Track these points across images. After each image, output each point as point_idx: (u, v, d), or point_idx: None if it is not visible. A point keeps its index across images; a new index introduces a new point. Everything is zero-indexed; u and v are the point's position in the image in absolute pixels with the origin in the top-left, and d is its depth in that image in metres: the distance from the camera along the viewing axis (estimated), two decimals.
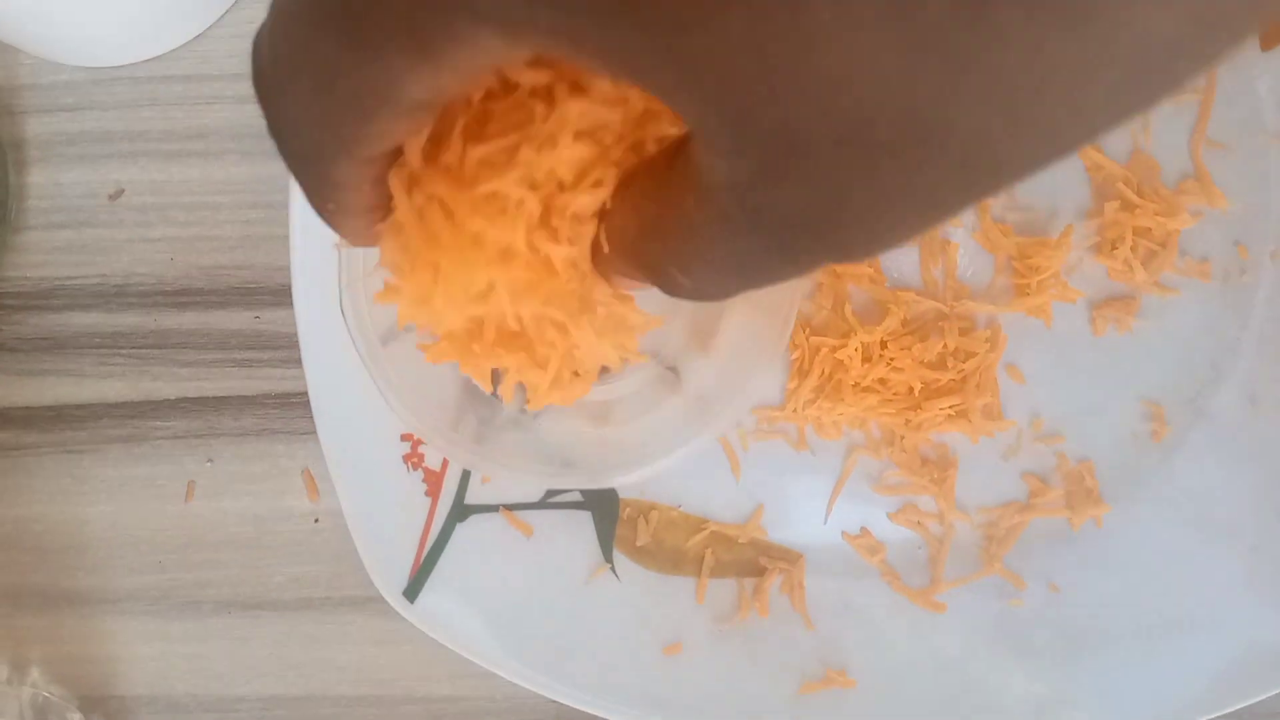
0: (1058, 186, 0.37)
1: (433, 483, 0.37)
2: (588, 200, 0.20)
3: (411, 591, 0.36)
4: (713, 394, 0.33)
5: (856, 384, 0.36)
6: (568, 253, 0.21)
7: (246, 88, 0.39)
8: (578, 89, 0.20)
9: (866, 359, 0.37)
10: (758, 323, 0.33)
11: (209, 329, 0.39)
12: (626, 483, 0.34)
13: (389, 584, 0.36)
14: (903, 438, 0.37)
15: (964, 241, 0.37)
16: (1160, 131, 0.37)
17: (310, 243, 0.37)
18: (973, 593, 0.37)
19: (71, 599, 0.39)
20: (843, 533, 0.37)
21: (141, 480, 0.39)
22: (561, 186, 0.20)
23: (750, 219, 0.15)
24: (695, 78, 0.13)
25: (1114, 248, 0.37)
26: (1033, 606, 0.36)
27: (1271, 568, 0.36)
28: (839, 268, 0.37)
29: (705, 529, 0.37)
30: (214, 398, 0.39)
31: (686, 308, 0.34)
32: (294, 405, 0.39)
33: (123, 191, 0.40)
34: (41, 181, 0.40)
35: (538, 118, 0.20)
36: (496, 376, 0.25)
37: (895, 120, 0.12)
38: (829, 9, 0.11)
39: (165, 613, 0.39)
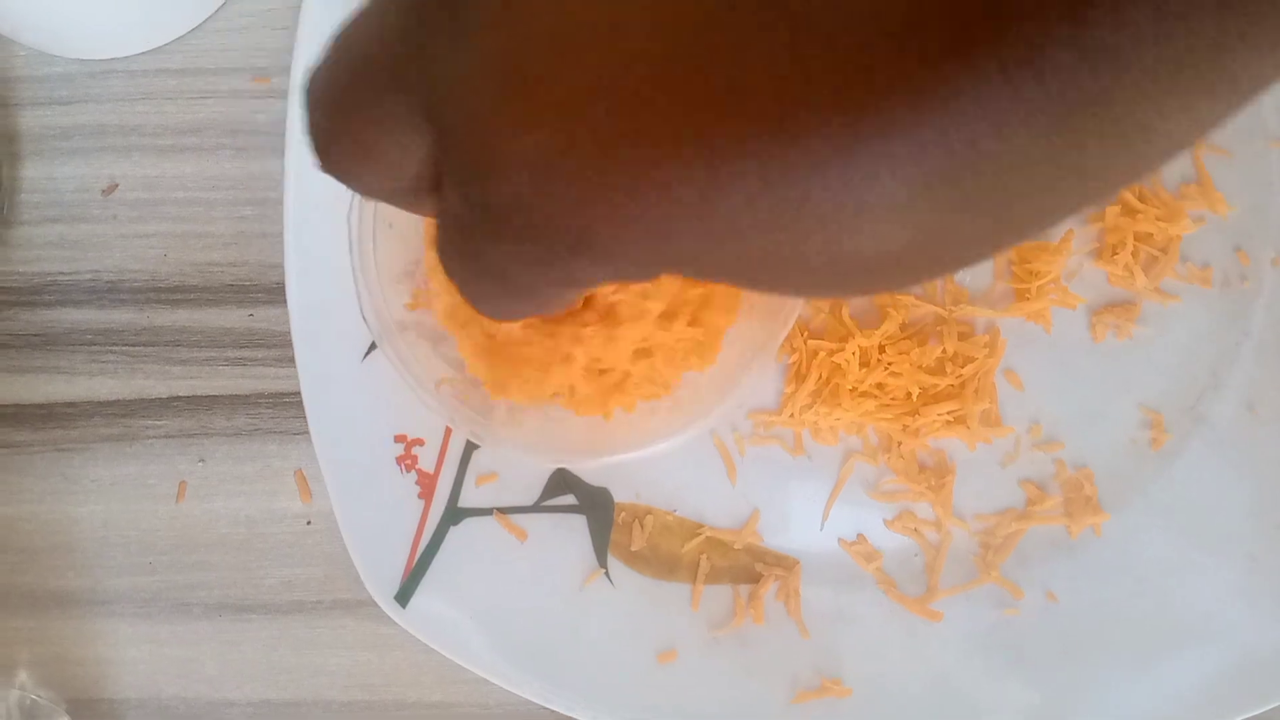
0: None
1: (426, 485, 0.36)
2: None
3: (403, 596, 0.36)
4: (705, 390, 0.33)
5: (854, 389, 0.36)
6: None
7: (241, 82, 0.39)
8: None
9: (864, 363, 0.36)
10: (754, 324, 0.33)
11: (202, 327, 0.39)
12: (613, 463, 0.34)
13: (381, 588, 0.36)
14: (900, 443, 0.37)
15: None
16: None
17: (304, 241, 0.36)
18: (969, 601, 0.36)
19: (60, 600, 0.38)
20: (839, 539, 0.37)
21: (132, 480, 0.38)
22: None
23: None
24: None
25: (1115, 253, 0.36)
26: (1030, 616, 0.36)
27: (1270, 578, 0.36)
28: None
29: (700, 534, 0.37)
30: (206, 396, 0.39)
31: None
32: (287, 405, 0.39)
33: (116, 186, 0.39)
34: (35, 175, 0.40)
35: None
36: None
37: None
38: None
39: (155, 615, 0.38)
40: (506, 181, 0.15)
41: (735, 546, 0.37)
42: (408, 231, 0.33)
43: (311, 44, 0.36)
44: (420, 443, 0.36)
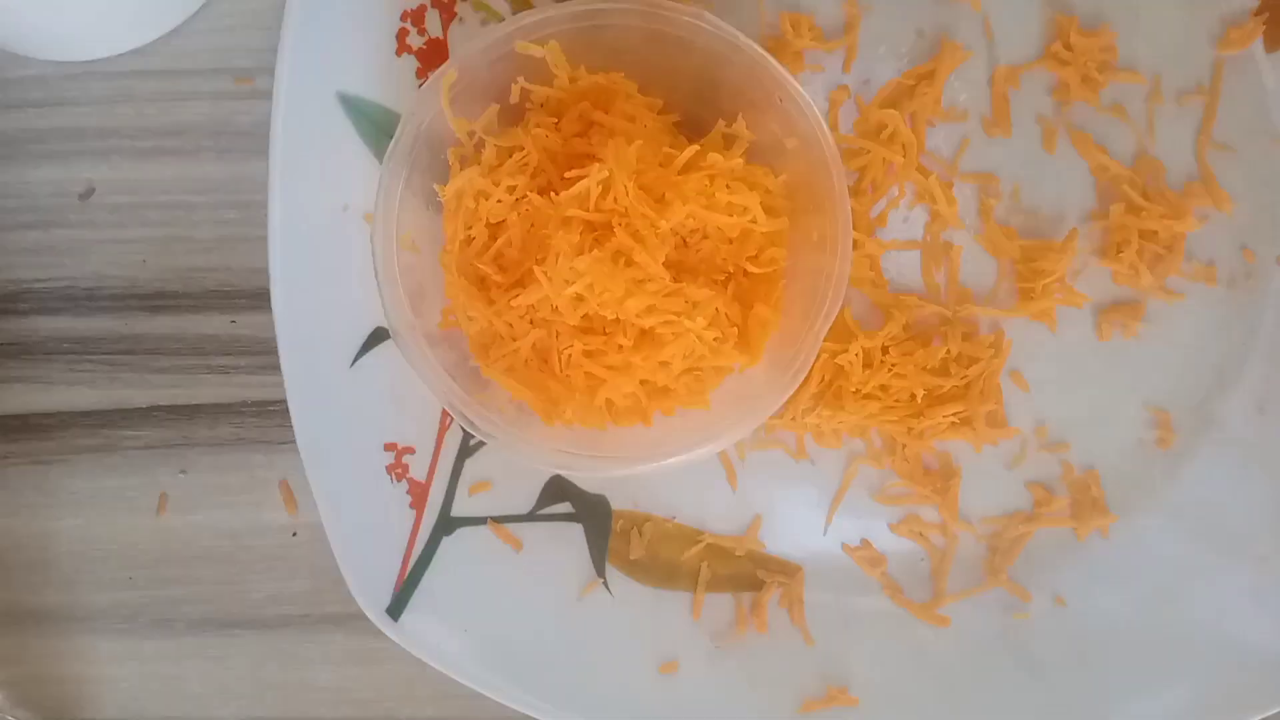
0: (1063, 189, 0.36)
1: (417, 494, 0.35)
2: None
3: (395, 609, 0.35)
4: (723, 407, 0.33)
5: (857, 390, 0.35)
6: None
7: (224, 83, 0.38)
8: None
9: (868, 364, 0.35)
10: (776, 346, 0.33)
11: (184, 334, 0.38)
12: (623, 474, 0.35)
13: (371, 601, 0.35)
14: (904, 446, 0.36)
15: (967, 244, 0.36)
16: (1165, 134, 0.36)
17: (289, 245, 0.35)
18: (977, 606, 0.36)
19: (38, 617, 0.37)
20: (843, 544, 0.36)
21: (112, 492, 0.37)
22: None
23: None
24: None
25: (1120, 251, 0.36)
26: (1039, 620, 0.36)
27: None
28: None
29: (701, 541, 0.36)
30: (188, 405, 0.38)
31: None
32: (272, 414, 0.37)
33: (94, 190, 0.38)
34: (8, 180, 0.38)
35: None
36: None
37: None
38: None
39: (137, 631, 0.37)
40: None
41: (737, 553, 0.36)
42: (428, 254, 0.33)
43: (294, 44, 0.35)
44: (411, 451, 0.35)
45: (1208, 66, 0.36)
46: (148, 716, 0.37)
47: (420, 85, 0.35)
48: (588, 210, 0.31)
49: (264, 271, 0.36)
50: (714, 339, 0.32)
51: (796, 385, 0.32)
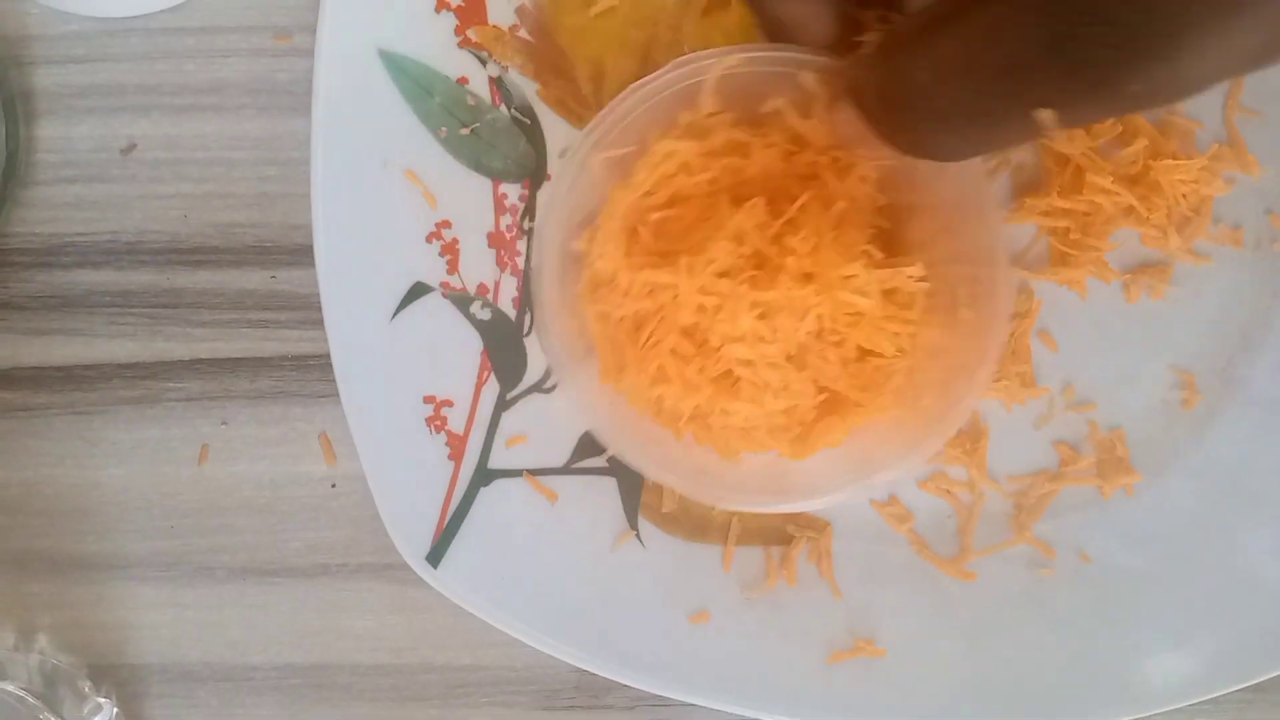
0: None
1: (455, 446, 0.36)
2: None
3: (434, 557, 0.35)
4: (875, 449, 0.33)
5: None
6: None
7: (262, 40, 0.39)
8: None
9: None
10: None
11: (224, 289, 0.38)
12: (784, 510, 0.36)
13: (412, 549, 0.35)
14: None
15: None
16: (1194, 99, 0.36)
17: (332, 202, 0.36)
18: (1003, 562, 0.36)
19: (81, 564, 0.38)
20: (871, 500, 0.37)
21: (153, 443, 0.38)
22: None
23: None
24: None
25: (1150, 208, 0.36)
26: (1064, 577, 0.36)
27: None
28: None
29: None
30: (229, 359, 0.38)
31: None
32: (311, 368, 0.38)
33: (135, 146, 0.39)
34: (51, 135, 0.39)
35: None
36: None
37: None
38: None
39: (178, 579, 0.38)
40: None
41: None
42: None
43: (335, 1, 0.35)
44: (449, 403, 0.36)
45: None
46: (188, 661, 0.38)
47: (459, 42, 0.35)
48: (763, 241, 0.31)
49: (302, 228, 0.37)
50: (776, 425, 0.33)
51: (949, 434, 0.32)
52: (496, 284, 0.37)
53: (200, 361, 0.38)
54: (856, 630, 0.36)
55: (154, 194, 0.39)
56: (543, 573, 0.36)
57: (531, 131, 0.36)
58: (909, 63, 0.25)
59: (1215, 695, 0.35)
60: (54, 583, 0.38)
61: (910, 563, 0.36)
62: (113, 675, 0.38)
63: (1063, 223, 0.36)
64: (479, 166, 0.36)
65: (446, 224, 0.36)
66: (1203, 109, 0.36)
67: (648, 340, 0.32)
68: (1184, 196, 0.36)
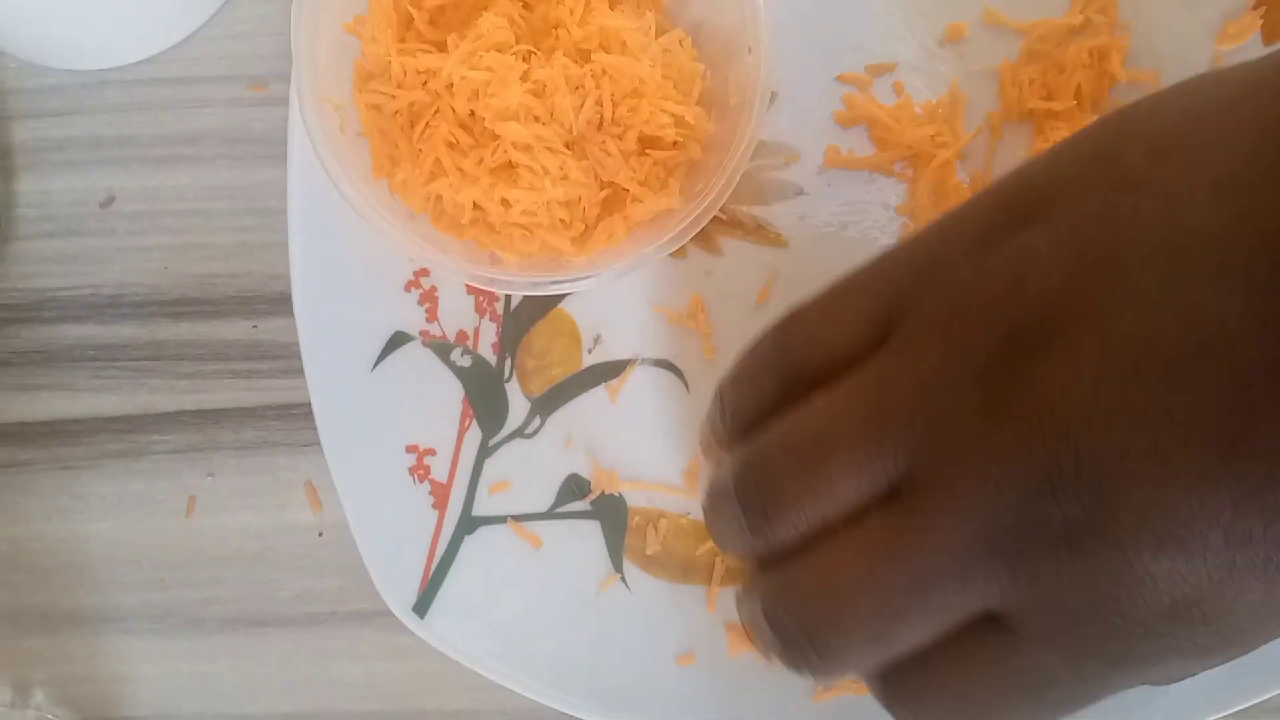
0: None
1: (439, 495, 0.36)
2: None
3: (421, 606, 0.36)
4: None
5: None
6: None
7: (238, 90, 0.39)
8: None
9: None
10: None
11: (206, 339, 0.38)
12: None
13: (398, 599, 0.35)
14: None
15: None
16: None
17: (309, 249, 0.36)
18: None
19: (73, 619, 0.38)
20: None
21: (140, 496, 0.38)
22: None
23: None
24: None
25: None
26: None
27: None
28: None
29: None
30: (213, 410, 0.38)
31: None
32: (294, 417, 0.38)
33: (113, 199, 0.39)
34: (30, 189, 0.39)
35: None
36: None
37: None
38: None
39: (169, 631, 0.38)
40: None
41: None
42: None
43: (305, 50, 0.35)
44: (432, 452, 0.36)
45: (1207, 61, 0.36)
46: (182, 713, 0.38)
47: None
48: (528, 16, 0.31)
49: (282, 277, 0.37)
50: (558, 220, 0.32)
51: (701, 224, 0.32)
52: (476, 330, 0.37)
53: (185, 413, 0.38)
54: None
55: (134, 246, 0.39)
56: (529, 618, 0.36)
57: None
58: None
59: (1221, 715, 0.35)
60: (48, 638, 0.38)
61: None
62: None
63: None
64: None
65: (425, 272, 0.36)
66: None
67: (423, 133, 0.31)
68: None
